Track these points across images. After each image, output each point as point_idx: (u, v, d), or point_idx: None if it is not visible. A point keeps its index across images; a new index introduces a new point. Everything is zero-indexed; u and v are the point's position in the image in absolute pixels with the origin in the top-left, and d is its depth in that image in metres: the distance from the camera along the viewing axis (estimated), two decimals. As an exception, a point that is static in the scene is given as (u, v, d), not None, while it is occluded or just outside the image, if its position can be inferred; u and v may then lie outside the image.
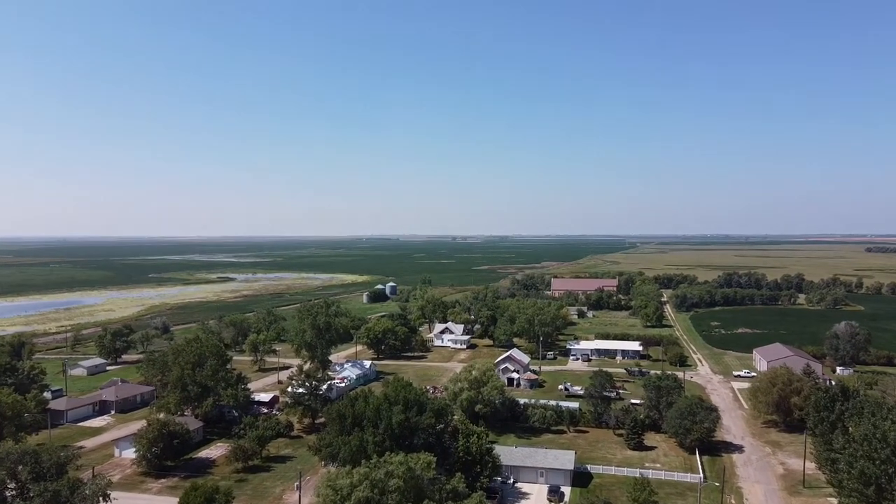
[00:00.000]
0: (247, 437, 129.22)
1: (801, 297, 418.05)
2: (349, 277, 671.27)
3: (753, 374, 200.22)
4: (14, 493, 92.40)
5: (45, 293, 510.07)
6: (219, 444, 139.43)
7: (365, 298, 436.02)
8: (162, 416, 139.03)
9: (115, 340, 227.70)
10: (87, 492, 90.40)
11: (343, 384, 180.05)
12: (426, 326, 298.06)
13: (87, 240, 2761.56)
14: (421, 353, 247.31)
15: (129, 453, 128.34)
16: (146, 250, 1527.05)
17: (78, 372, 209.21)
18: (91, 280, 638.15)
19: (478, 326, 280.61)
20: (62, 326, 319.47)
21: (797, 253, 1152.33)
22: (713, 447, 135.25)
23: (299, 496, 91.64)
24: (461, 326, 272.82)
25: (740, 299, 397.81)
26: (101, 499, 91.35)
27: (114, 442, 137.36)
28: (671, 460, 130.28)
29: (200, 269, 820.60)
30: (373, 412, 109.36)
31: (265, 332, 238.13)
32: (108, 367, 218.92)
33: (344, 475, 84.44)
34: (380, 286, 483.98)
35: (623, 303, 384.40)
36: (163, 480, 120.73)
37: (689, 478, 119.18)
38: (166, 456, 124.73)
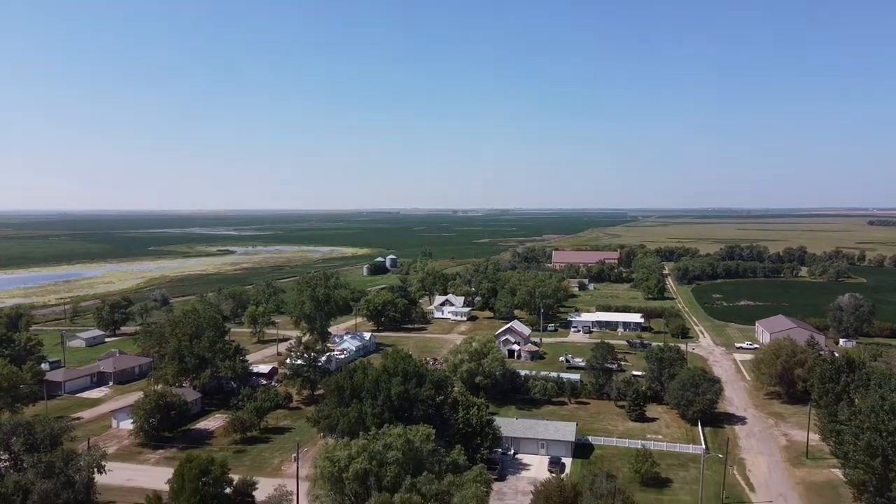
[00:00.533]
0: (245, 409, 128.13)
1: (804, 270, 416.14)
2: (349, 250, 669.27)
3: (756, 346, 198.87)
4: (7, 464, 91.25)
5: (45, 266, 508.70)
6: (217, 416, 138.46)
7: (365, 271, 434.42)
8: (160, 387, 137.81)
9: (114, 312, 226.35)
10: (81, 463, 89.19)
11: (342, 356, 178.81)
12: (426, 299, 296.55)
13: (86, 213, 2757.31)
14: (421, 325, 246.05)
15: (127, 424, 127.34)
16: (146, 223, 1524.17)
17: (76, 344, 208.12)
18: (90, 253, 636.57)
19: (478, 299, 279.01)
20: (61, 299, 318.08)
21: (799, 226, 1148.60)
22: (715, 419, 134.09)
23: (297, 468, 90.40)
24: (461, 298, 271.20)
25: (742, 272, 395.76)
26: (95, 470, 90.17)
27: (111, 413, 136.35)
28: (673, 432, 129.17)
29: (200, 242, 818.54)
30: (371, 384, 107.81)
31: (264, 304, 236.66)
32: (106, 339, 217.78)
33: (342, 447, 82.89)
34: (380, 259, 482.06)
35: (624, 275, 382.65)
36: (161, 451, 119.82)
37: (690, 449, 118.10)
38: (164, 427, 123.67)
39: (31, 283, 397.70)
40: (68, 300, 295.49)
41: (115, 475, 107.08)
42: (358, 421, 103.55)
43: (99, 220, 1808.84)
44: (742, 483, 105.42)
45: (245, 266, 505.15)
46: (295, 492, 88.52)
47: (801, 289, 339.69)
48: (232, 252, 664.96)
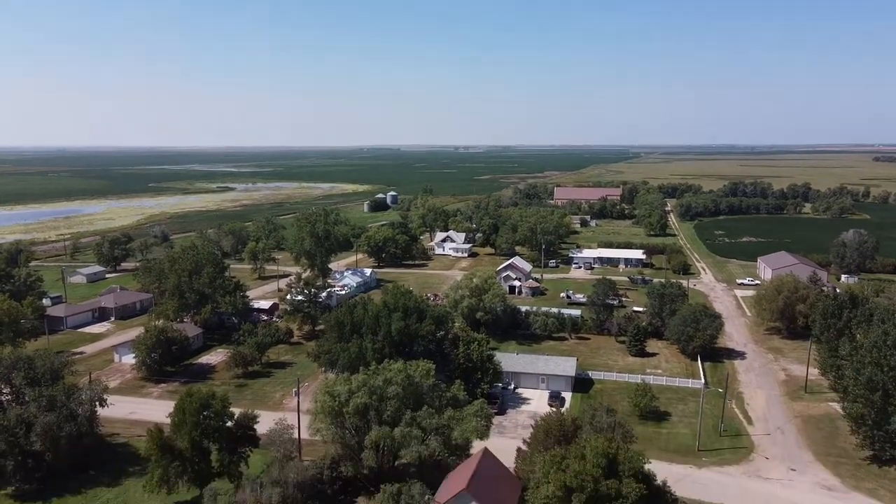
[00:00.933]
0: (246, 344, 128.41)
1: (807, 207, 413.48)
2: (350, 187, 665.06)
3: (757, 282, 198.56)
4: (9, 398, 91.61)
5: (44, 202, 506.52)
6: (219, 351, 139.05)
7: (366, 207, 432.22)
8: (160, 322, 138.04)
9: (114, 248, 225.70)
10: (83, 397, 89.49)
11: (343, 292, 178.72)
12: (427, 235, 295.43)
13: (85, 149, 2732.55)
14: (422, 262, 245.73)
15: (129, 359, 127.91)
16: (145, 160, 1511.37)
17: (77, 279, 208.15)
18: (90, 189, 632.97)
19: (479, 235, 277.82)
20: (61, 235, 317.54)
21: (803, 162, 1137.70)
22: (715, 354, 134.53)
23: (298, 402, 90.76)
24: (462, 235, 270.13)
25: (745, 208, 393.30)
26: (97, 403, 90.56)
27: (113, 348, 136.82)
28: (673, 367, 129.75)
29: (200, 179, 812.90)
30: (372, 319, 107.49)
31: (264, 240, 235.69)
32: (107, 275, 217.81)
33: (342, 382, 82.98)
34: (380, 195, 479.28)
35: (626, 212, 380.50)
36: (163, 385, 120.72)
37: (690, 384, 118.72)
38: (165, 362, 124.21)
39: (30, 219, 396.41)
40: (68, 236, 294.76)
41: (118, 408, 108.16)
42: (358, 356, 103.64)
43: (98, 156, 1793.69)
44: (740, 416, 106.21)
45: (245, 203, 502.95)
46: (296, 425, 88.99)
47: (804, 225, 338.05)
48: (232, 189, 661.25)
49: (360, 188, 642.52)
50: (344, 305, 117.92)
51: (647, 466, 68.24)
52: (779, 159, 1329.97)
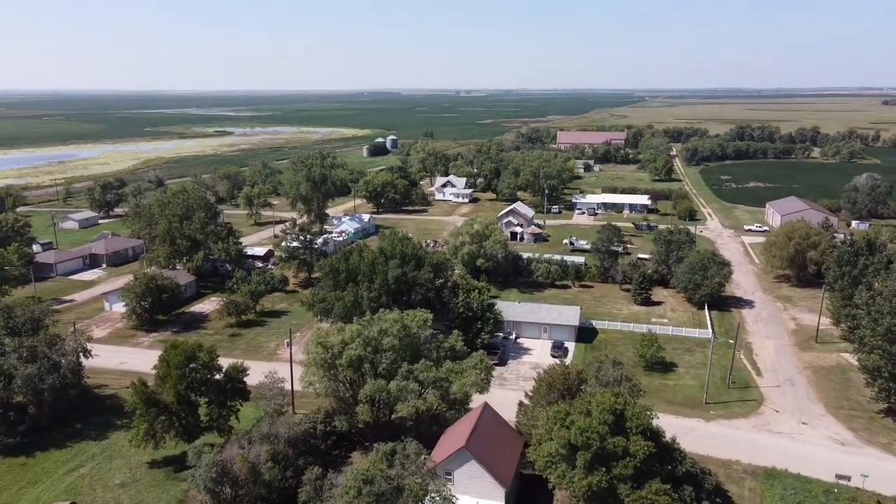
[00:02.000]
0: (239, 292, 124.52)
1: (816, 151, 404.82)
2: (349, 131, 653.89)
3: (765, 228, 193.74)
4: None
5: (38, 146, 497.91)
6: (213, 299, 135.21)
7: (365, 152, 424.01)
8: (151, 269, 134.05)
9: (106, 193, 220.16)
10: (66, 347, 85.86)
11: (340, 238, 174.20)
12: (427, 180, 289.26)
13: (80, 93, 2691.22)
14: (422, 207, 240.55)
15: (120, 307, 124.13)
16: (141, 104, 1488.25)
17: (69, 225, 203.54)
18: (85, 133, 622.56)
19: (481, 180, 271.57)
20: (55, 180, 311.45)
21: (811, 106, 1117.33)
22: (722, 302, 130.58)
23: (290, 353, 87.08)
24: (463, 180, 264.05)
25: (753, 153, 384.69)
26: (80, 354, 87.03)
27: (103, 295, 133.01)
28: (679, 316, 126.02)
29: (197, 123, 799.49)
30: (368, 267, 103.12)
31: (261, 185, 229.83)
32: (100, 221, 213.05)
33: (335, 333, 79.04)
34: (380, 139, 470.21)
35: (631, 157, 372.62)
36: (154, 334, 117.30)
37: (697, 333, 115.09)
38: (156, 310, 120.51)
39: (24, 163, 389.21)
40: (62, 181, 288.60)
41: (108, 358, 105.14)
42: (354, 305, 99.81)
43: (93, 100, 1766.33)
44: (749, 367, 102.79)
45: (243, 147, 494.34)
46: (289, 378, 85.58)
47: (812, 170, 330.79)
48: (229, 133, 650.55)
49: (360, 132, 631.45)
50: (339, 252, 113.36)
51: (654, 422, 64.91)
52: (786, 103, 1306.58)
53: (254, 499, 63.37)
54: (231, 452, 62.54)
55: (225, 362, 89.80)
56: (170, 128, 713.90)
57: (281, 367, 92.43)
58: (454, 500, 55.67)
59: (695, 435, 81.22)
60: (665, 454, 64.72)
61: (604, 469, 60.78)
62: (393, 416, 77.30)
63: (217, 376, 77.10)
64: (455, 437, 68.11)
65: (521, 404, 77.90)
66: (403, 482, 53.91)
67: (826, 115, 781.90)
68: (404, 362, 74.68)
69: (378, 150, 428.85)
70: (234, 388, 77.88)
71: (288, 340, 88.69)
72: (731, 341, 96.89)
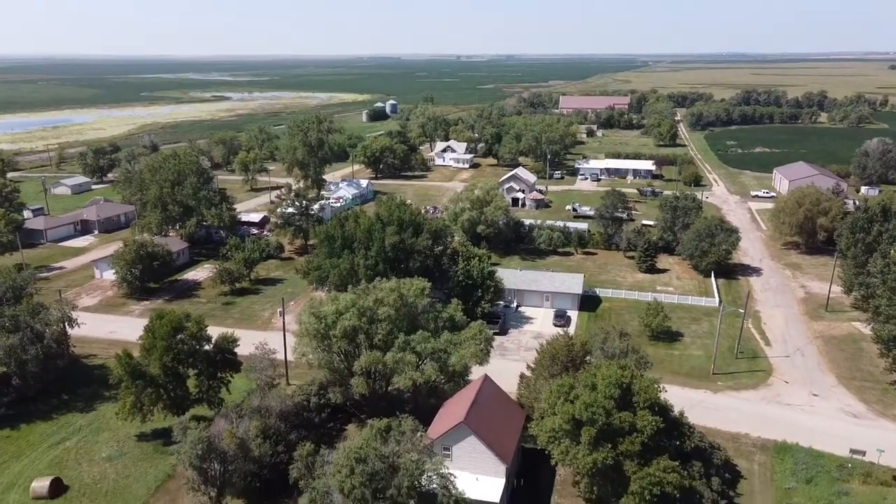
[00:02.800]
0: (233, 260, 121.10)
1: (823, 116, 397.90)
2: (349, 97, 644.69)
3: (773, 194, 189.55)
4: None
5: (33, 111, 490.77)
6: (206, 266, 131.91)
7: (364, 117, 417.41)
8: (143, 236, 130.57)
9: (98, 158, 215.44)
10: (50, 317, 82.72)
11: (338, 204, 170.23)
12: (427, 145, 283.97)
13: (76, 58, 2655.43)
14: (421, 173, 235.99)
15: (110, 274, 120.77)
16: (138, 69, 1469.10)
17: (61, 191, 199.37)
18: (81, 98, 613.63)
19: (481, 145, 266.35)
20: (48, 145, 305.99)
21: (816, 71, 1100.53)
22: (729, 270, 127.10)
23: (283, 322, 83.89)
24: (464, 145, 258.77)
25: (759, 118, 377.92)
26: (66, 324, 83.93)
27: (93, 262, 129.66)
28: (685, 284, 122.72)
29: (194, 88, 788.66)
30: (364, 233, 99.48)
31: (257, 150, 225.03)
32: (93, 186, 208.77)
33: (329, 302, 75.73)
34: (379, 104, 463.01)
35: (635, 122, 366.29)
36: (146, 302, 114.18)
37: (703, 302, 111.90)
38: (148, 278, 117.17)
39: (18, 128, 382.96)
40: (55, 146, 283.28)
41: (98, 327, 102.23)
42: (349, 273, 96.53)
43: (90, 65, 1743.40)
44: (757, 337, 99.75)
45: (240, 112, 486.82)
46: (282, 350, 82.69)
47: (820, 135, 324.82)
48: (227, 98, 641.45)
49: (360, 98, 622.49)
50: (334, 218, 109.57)
51: (661, 395, 61.97)
52: (791, 68, 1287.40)
53: (244, 475, 60.63)
54: (219, 427, 59.64)
55: (217, 332, 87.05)
56: (166, 93, 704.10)
57: (275, 336, 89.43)
58: (452, 478, 52.84)
59: (702, 407, 78.46)
60: (673, 429, 61.89)
61: (609, 445, 57.97)
62: (389, 388, 74.37)
63: (207, 347, 74.03)
64: (454, 410, 65.17)
65: (522, 376, 74.95)
66: (398, 461, 50.99)
67: (832, 80, 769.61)
68: (401, 333, 71.54)
69: (377, 116, 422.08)
70: (224, 359, 74.81)
71: (280, 310, 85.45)
72: (741, 311, 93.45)
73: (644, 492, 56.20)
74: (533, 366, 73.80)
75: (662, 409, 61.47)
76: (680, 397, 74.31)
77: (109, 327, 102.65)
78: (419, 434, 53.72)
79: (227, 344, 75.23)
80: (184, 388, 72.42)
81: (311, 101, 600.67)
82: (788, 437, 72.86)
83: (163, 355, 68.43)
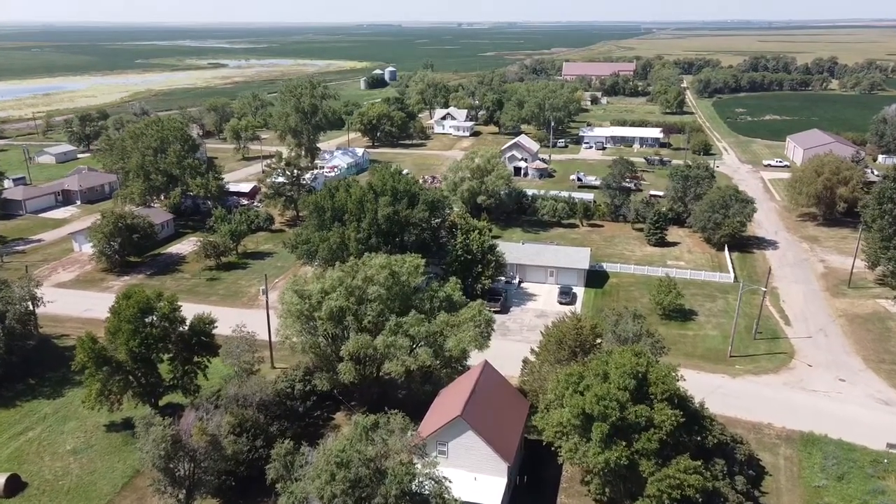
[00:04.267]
0: (219, 232, 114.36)
1: (834, 83, 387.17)
2: (348, 64, 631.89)
3: (786, 163, 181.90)
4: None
5: (25, 78, 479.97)
6: (192, 239, 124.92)
7: (362, 84, 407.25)
8: (126, 207, 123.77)
9: (85, 125, 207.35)
10: (13, 295, 76.27)
11: (332, 173, 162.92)
12: (427, 113, 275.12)
13: (73, 25, 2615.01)
14: (420, 141, 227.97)
15: (90, 248, 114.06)
16: (134, 36, 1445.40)
17: (45, 159, 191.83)
18: (74, 65, 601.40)
19: (482, 112, 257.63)
20: (38, 112, 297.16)
21: (824, 38, 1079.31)
22: (743, 243, 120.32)
23: (266, 301, 77.39)
24: (464, 112, 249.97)
25: (767, 84, 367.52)
26: (30, 303, 77.54)
27: (72, 235, 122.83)
28: (696, 258, 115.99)
29: (190, 55, 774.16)
30: (355, 204, 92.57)
31: (251, 117, 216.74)
32: (79, 155, 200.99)
33: (314, 279, 69.17)
34: (378, 71, 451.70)
35: (640, 89, 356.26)
36: (126, 278, 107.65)
37: (718, 277, 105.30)
38: (128, 251, 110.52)
39: (7, 96, 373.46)
40: (42, 114, 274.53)
41: (73, 304, 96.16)
42: (340, 247, 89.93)
43: (86, 32, 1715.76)
44: (776, 315, 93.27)
45: (236, 80, 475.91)
46: (266, 332, 76.47)
47: (832, 102, 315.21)
48: (224, 65, 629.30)
49: (359, 65, 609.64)
50: (324, 188, 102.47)
51: (680, 384, 55.77)
52: (798, 34, 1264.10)
53: (217, 473, 54.59)
54: (189, 421, 53.40)
55: (199, 309, 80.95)
56: (162, 60, 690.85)
57: (262, 314, 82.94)
58: (447, 482, 46.71)
59: (720, 394, 72.25)
60: (694, 423, 55.64)
61: (624, 443, 51.81)
62: (381, 374, 68.14)
63: (181, 328, 67.64)
64: (450, 401, 59.04)
65: (526, 361, 68.59)
66: (386, 464, 44.83)
67: (841, 47, 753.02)
68: (393, 314, 65.10)
69: (376, 83, 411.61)
70: (200, 342, 68.53)
71: (263, 287, 78.81)
72: (763, 288, 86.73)
73: (662, 495, 50.25)
74: (537, 350, 67.44)
75: (682, 401, 55.29)
76: (696, 383, 68.16)
77: (85, 304, 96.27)
78: (410, 434, 47.45)
79: (205, 325, 68.87)
80: (156, 374, 66.30)
81: (308, 68, 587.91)
82: (815, 427, 66.76)
83: (129, 340, 62.07)
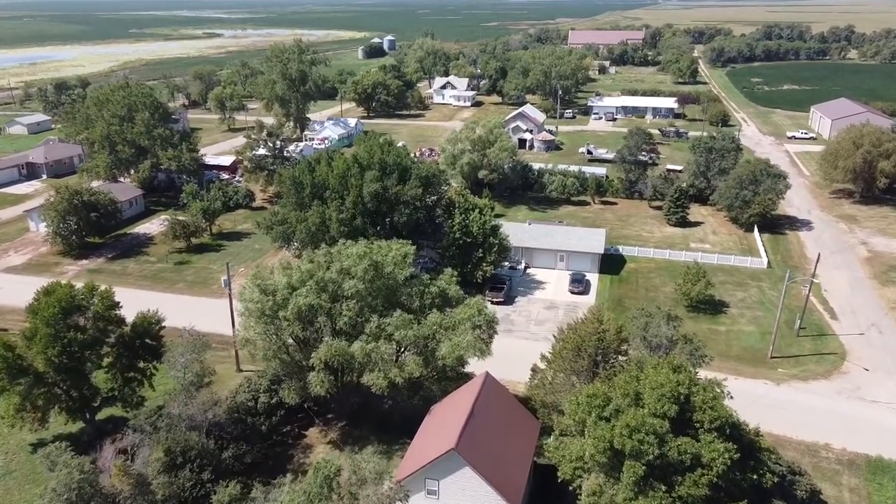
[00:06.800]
0: (190, 210, 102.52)
1: (853, 52, 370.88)
2: (346, 34, 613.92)
3: (812, 135, 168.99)
4: None
5: (12, 47, 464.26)
6: (163, 217, 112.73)
7: (360, 53, 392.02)
8: (95, 183, 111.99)
9: (60, 94, 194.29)
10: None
11: (322, 146, 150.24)
12: (426, 82, 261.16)
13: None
14: (418, 111, 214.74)
15: (44, 228, 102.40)
16: (130, 5, 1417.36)
17: (17, 130, 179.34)
18: (65, 34, 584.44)
19: (484, 82, 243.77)
20: (22, 82, 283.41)
21: (837, 7, 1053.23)
22: (773, 223, 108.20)
23: (230, 295, 65.77)
24: (465, 81, 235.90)
25: (783, 53, 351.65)
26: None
27: (27, 213, 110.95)
28: (722, 240, 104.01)
29: (186, 25, 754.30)
30: (337, 180, 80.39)
31: (240, 86, 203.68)
32: (53, 126, 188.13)
33: (279, 272, 57.43)
34: (377, 40, 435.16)
35: (650, 58, 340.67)
36: (84, 262, 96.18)
37: (749, 263, 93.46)
38: (88, 231, 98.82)
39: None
40: (20, 83, 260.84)
41: (19, 293, 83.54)
42: (320, 229, 78.02)
43: (81, 2, 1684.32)
44: (819, 308, 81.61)
45: (231, 49, 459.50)
46: (231, 332, 65.07)
47: (852, 71, 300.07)
48: (219, 35, 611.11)
49: (357, 35, 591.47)
50: (303, 161, 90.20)
51: (727, 402, 44.32)
52: (810, 4, 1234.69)
53: (149, 518, 43.47)
54: (107, 458, 42.10)
55: (163, 299, 69.69)
56: (156, 29, 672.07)
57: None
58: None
59: (763, 405, 60.87)
60: (749, 458, 44.26)
61: (664, 487, 40.51)
62: (362, 382, 56.67)
63: (122, 329, 56.22)
64: (443, 424, 47.75)
65: (535, 370, 56.97)
66: (353, 530, 33.58)
67: (856, 17, 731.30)
68: (374, 314, 53.49)
69: (374, 52, 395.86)
70: (144, 345, 57.12)
71: (225, 278, 67.09)
72: (814, 279, 74.71)
73: (715, 557, 39.08)
74: (550, 357, 55.78)
75: (734, 429, 43.84)
76: (735, 391, 55.50)
77: (34, 293, 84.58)
78: (388, 486, 36.10)
79: (149, 325, 57.37)
80: (87, 385, 54.89)
81: (307, 38, 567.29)
82: (883, 450, 55.57)
83: (48, 347, 50.51)
